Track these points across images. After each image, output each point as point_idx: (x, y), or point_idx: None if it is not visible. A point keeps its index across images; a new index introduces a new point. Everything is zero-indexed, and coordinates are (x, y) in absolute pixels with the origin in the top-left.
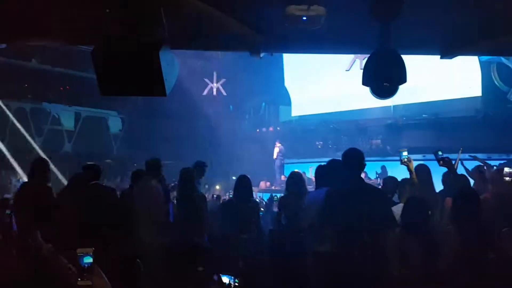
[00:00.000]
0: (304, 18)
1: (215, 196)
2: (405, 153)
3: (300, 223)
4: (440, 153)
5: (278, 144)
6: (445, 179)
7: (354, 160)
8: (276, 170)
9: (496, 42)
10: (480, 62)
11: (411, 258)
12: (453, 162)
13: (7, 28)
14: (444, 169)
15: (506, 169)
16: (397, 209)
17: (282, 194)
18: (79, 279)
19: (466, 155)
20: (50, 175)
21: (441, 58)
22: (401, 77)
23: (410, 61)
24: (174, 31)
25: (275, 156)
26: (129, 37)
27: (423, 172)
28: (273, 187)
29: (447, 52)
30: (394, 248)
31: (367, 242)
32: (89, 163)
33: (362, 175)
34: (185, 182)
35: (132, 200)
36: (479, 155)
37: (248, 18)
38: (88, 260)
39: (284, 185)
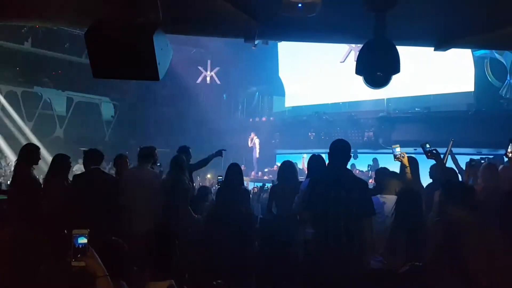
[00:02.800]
0: (300, 5)
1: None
2: (398, 149)
3: (291, 211)
4: (427, 145)
5: (254, 136)
6: (433, 172)
7: (339, 150)
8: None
9: (490, 35)
10: (474, 57)
11: (399, 250)
12: (442, 155)
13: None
14: (432, 162)
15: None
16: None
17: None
18: (73, 259)
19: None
20: (35, 161)
21: (434, 50)
22: (395, 67)
23: (404, 54)
24: (168, 15)
25: (252, 144)
26: (123, 20)
27: (410, 165)
28: (265, 177)
29: (441, 44)
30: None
31: (345, 230)
32: (92, 148)
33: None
34: (172, 171)
35: (127, 183)
36: (470, 150)
37: (243, 4)
38: (83, 240)
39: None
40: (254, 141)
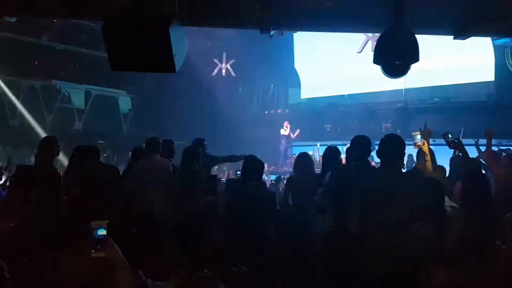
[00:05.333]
0: None
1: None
2: (418, 136)
3: (307, 203)
4: (450, 136)
5: (289, 125)
6: (453, 163)
7: (360, 144)
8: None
9: (511, 22)
10: (494, 46)
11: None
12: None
13: (17, 1)
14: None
15: None
16: None
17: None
18: (93, 250)
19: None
20: (55, 153)
21: (454, 38)
22: (414, 56)
23: (423, 44)
24: (184, 7)
25: (286, 134)
26: (140, 12)
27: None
28: (281, 169)
29: (461, 32)
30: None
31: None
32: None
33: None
34: (185, 161)
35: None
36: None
37: None
38: (102, 232)
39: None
40: (295, 131)
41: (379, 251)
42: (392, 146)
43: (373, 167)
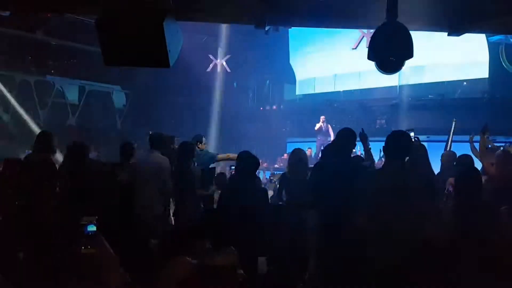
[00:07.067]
0: None
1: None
2: (412, 133)
3: (301, 199)
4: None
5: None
6: (445, 159)
7: (343, 138)
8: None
9: (506, 19)
10: (489, 43)
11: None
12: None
13: None
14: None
15: None
16: None
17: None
18: (82, 247)
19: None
20: (54, 148)
21: (448, 35)
22: (408, 52)
23: (417, 40)
24: (178, 1)
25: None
26: (134, 7)
27: (419, 151)
28: (276, 165)
29: (455, 29)
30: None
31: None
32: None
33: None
34: (181, 156)
35: (138, 171)
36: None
37: None
38: (92, 228)
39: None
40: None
41: (380, 246)
42: (399, 143)
43: (353, 162)
